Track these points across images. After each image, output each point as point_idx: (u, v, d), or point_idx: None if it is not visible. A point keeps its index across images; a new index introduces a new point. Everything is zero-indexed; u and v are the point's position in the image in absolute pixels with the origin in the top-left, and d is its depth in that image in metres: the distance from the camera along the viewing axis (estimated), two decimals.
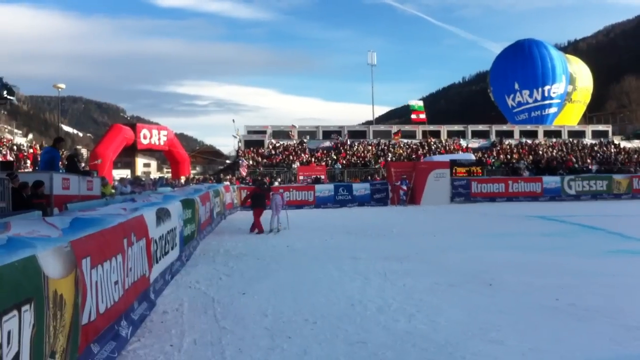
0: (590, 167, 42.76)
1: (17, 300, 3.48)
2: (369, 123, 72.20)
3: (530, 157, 49.14)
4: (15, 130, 74.52)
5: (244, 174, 42.82)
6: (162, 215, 9.51)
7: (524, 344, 5.97)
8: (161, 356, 5.79)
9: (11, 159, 35.65)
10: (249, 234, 18.46)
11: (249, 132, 54.86)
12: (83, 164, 32.94)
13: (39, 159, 16.64)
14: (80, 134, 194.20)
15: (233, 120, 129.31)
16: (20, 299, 3.53)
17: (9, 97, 13.45)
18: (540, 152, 50.88)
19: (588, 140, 56.50)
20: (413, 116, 57.02)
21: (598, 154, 50.96)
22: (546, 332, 6.42)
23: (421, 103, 58.82)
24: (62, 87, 43.34)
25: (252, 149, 51.08)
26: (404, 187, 33.44)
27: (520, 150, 51.87)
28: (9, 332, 3.32)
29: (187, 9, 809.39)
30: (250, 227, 18.83)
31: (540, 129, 58.59)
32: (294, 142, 53.05)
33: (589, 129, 60.59)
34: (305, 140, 53.22)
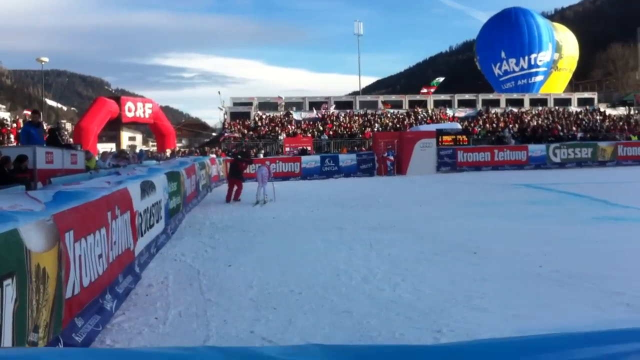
0: (575, 134, 42.97)
1: None
2: (355, 94, 71.97)
3: (516, 125, 49.28)
4: None
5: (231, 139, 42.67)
6: (147, 188, 9.48)
7: (507, 311, 6.02)
8: (146, 329, 5.79)
9: None
10: (227, 203, 18.95)
11: (235, 104, 54.62)
12: (66, 137, 32.70)
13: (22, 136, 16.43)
14: (65, 108, 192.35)
15: (219, 92, 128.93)
16: (2, 272, 3.53)
17: None
18: (526, 121, 51.01)
19: (574, 108, 56.67)
20: (424, 90, 56.95)
21: (584, 122, 51.16)
22: (529, 299, 6.48)
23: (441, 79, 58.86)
24: (46, 60, 42.89)
25: (238, 121, 50.86)
26: (391, 158, 33.49)
27: (507, 119, 51.97)
28: None
29: None
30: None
31: (527, 98, 58.72)
32: (280, 113, 52.85)
33: (575, 96, 60.82)
34: (291, 112, 53.03)
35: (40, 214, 4.57)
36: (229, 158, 27.97)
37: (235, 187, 19.69)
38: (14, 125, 42.45)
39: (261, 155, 36.24)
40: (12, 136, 36.47)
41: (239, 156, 22.32)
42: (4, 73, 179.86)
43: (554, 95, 61.06)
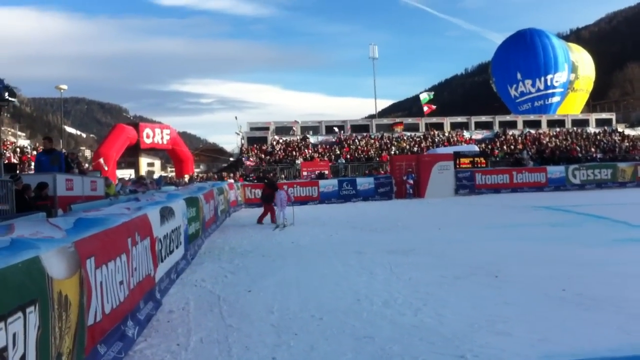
0: (594, 155, 42.65)
1: (22, 301, 3.46)
2: (371, 117, 72.07)
3: (534, 147, 49.00)
4: (19, 133, 74.68)
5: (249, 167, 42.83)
6: (166, 214, 9.50)
7: (532, 335, 5.94)
8: (168, 355, 5.78)
9: (15, 161, 35.70)
10: (256, 225, 19.70)
11: (252, 129, 54.85)
12: (83, 164, 32.97)
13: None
14: (84, 135, 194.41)
15: (236, 117, 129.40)
16: (25, 300, 3.52)
17: (10, 99, 13.41)
18: (545, 142, 50.74)
19: (592, 129, 56.27)
20: (425, 108, 56.91)
21: (602, 143, 50.75)
22: (554, 323, 6.38)
23: (432, 93, 58.69)
24: (64, 88, 43.30)
25: (255, 145, 51.05)
26: (410, 181, 33.49)
27: (524, 140, 51.73)
28: (14, 334, 3.31)
29: (190, 7, 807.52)
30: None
31: (544, 119, 58.44)
32: (297, 137, 53.00)
33: (593, 117, 60.40)
34: (308, 136, 53.17)
35: (61, 241, 4.57)
36: (249, 183, 28.21)
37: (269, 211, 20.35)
38: (34, 152, 42.93)
39: (283, 179, 36.42)
40: (32, 164, 36.83)
41: (266, 182, 22.71)
42: (23, 101, 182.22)
43: (571, 116, 60.74)
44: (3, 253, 3.46)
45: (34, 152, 42.72)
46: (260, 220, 20.29)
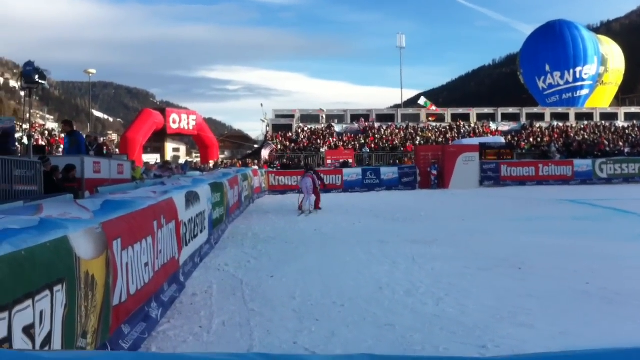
0: (622, 150, 42.09)
1: (49, 280, 3.53)
2: (397, 107, 71.66)
3: (562, 140, 48.46)
4: (47, 116, 75.54)
5: (267, 158, 42.87)
6: (192, 198, 9.59)
7: (554, 328, 5.91)
8: (190, 337, 5.85)
9: (43, 143, 36.17)
10: (279, 212, 19.94)
11: (277, 117, 54.89)
12: (110, 147, 33.33)
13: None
14: (111, 119, 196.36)
15: (261, 105, 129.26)
16: (53, 279, 3.59)
17: (40, 81, 13.57)
18: (572, 135, 50.16)
19: (620, 123, 55.45)
20: (432, 108, 56.88)
21: (631, 137, 50.04)
22: (577, 316, 6.34)
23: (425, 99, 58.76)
24: (93, 72, 43.76)
25: (280, 133, 51.12)
26: (434, 172, 33.38)
27: (552, 133, 51.19)
28: (41, 312, 3.38)
29: None
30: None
31: (572, 112, 57.70)
32: (322, 126, 52.98)
33: (622, 111, 59.46)
34: (333, 124, 53.13)
35: (89, 222, 4.64)
36: (273, 170, 28.22)
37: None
38: (62, 135, 43.45)
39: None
40: (60, 146, 37.32)
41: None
42: (52, 84, 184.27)
43: (600, 109, 59.86)
44: (32, 232, 3.52)
45: (62, 135, 43.29)
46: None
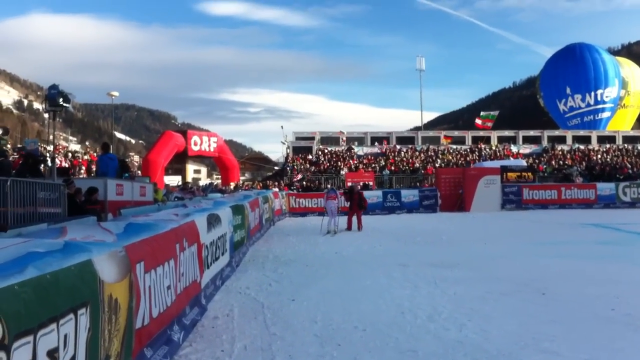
0: None
1: (74, 303, 3.54)
2: (417, 129, 71.68)
3: (584, 163, 48.09)
4: (70, 137, 76.45)
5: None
6: (213, 221, 9.61)
7: (578, 355, 5.81)
8: None
9: (66, 165, 36.53)
10: (300, 234, 20.10)
11: (298, 139, 55.15)
12: (132, 169, 33.62)
13: (99, 165, 16.96)
14: (133, 141, 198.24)
15: (282, 127, 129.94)
16: (77, 302, 3.60)
17: (64, 104, 13.76)
18: (594, 158, 49.76)
19: None
20: (478, 121, 56.67)
21: None
22: (601, 343, 6.24)
23: (496, 114, 58.55)
24: (116, 94, 44.20)
25: (300, 155, 51.28)
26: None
27: (573, 156, 50.83)
28: (65, 336, 3.38)
29: (240, 17, 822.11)
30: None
31: (594, 135, 57.37)
32: (342, 148, 53.07)
33: None
34: (353, 147, 53.20)
35: (112, 245, 4.67)
36: (293, 192, 28.29)
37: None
38: (85, 157, 43.89)
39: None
40: (83, 168, 37.66)
41: (346, 191, 23.71)
42: (75, 106, 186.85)
43: (622, 132, 59.49)
44: (57, 256, 3.55)
45: (85, 157, 43.72)
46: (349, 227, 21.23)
